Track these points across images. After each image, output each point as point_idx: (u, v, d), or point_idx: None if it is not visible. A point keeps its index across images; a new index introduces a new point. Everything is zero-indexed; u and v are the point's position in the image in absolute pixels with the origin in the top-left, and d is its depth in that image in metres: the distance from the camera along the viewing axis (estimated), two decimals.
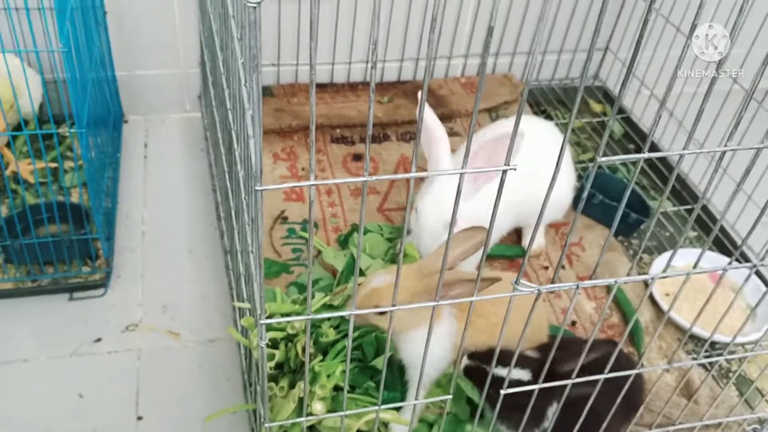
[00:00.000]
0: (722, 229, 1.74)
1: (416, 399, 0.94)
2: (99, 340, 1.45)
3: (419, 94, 1.42)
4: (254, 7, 0.55)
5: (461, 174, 0.71)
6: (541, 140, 1.50)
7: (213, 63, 1.41)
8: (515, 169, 0.73)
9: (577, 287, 0.89)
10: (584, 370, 1.04)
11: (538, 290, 0.87)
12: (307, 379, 0.85)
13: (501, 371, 1.15)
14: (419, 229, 1.42)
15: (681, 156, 0.82)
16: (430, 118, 1.42)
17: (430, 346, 1.12)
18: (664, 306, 1.53)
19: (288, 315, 1.16)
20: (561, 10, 2.07)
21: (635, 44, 0.68)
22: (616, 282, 0.91)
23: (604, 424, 1.15)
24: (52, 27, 1.51)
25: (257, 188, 0.66)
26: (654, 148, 1.99)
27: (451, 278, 1.08)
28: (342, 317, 1.25)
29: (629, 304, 1.53)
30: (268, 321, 0.79)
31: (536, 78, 2.21)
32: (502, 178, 0.73)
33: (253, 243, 0.84)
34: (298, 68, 2.01)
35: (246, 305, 1.03)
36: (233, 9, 0.88)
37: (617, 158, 0.76)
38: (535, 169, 1.38)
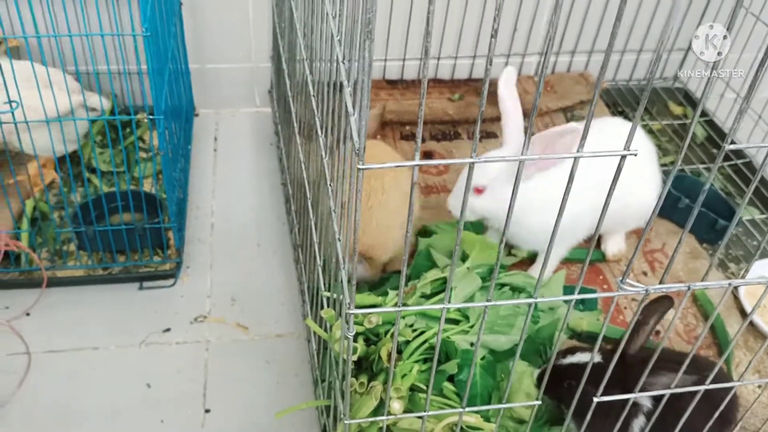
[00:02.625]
0: None
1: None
2: (168, 330, 1.44)
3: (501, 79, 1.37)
4: None
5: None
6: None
7: (291, 53, 1.39)
8: (635, 154, 0.68)
9: (689, 288, 0.83)
10: (665, 362, 0.98)
11: (646, 290, 0.81)
12: (391, 374, 0.81)
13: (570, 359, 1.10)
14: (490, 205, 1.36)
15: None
16: (504, 88, 1.34)
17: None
18: (758, 321, 1.43)
19: (372, 307, 1.12)
20: (642, 7, 1.98)
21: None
22: (730, 284, 0.84)
23: None
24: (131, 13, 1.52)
25: (360, 167, 0.62)
26: (739, 153, 1.89)
27: None
28: (416, 316, 1.20)
29: (718, 316, 1.44)
30: (357, 311, 0.75)
31: (614, 78, 2.13)
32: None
33: (341, 229, 0.80)
34: None
35: (329, 294, 0.99)
36: None
37: (744, 146, 0.70)
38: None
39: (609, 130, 1.40)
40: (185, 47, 1.82)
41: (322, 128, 0.98)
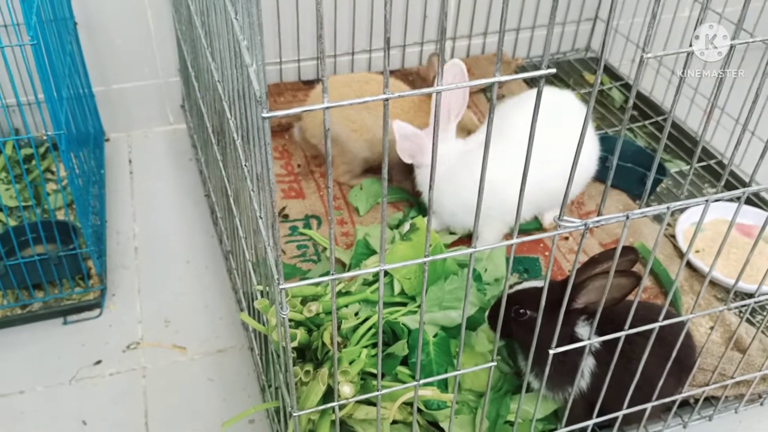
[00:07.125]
0: (738, 178, 1.67)
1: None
2: (99, 362, 1.34)
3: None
4: None
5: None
6: (560, 115, 1.43)
7: (194, 52, 1.32)
8: (554, 71, 0.65)
9: (627, 217, 0.80)
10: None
11: (585, 224, 0.78)
12: (335, 351, 0.75)
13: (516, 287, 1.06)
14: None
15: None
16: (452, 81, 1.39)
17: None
18: (698, 263, 1.44)
19: (308, 298, 1.06)
20: None
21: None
22: (668, 208, 0.82)
23: (657, 389, 1.06)
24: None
25: (264, 115, 0.57)
26: (659, 111, 1.93)
27: None
28: (359, 304, 1.15)
29: (659, 265, 1.44)
30: (288, 285, 0.70)
31: (527, 55, 2.15)
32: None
33: (263, 195, 0.74)
34: (281, 66, 1.93)
35: (261, 287, 0.93)
36: None
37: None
38: (555, 147, 1.31)
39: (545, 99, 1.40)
40: (86, 69, 1.73)
41: (230, 111, 0.92)
